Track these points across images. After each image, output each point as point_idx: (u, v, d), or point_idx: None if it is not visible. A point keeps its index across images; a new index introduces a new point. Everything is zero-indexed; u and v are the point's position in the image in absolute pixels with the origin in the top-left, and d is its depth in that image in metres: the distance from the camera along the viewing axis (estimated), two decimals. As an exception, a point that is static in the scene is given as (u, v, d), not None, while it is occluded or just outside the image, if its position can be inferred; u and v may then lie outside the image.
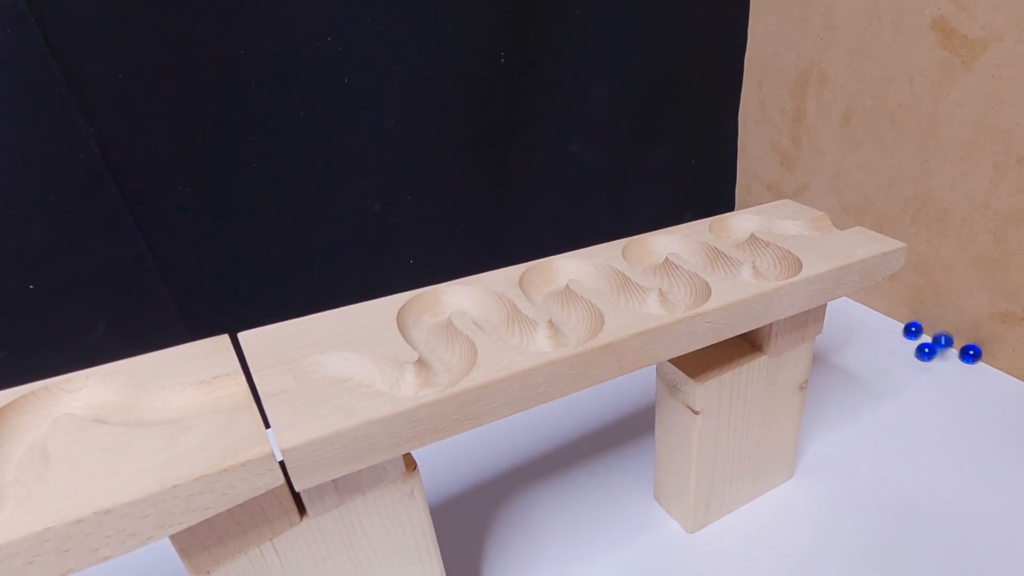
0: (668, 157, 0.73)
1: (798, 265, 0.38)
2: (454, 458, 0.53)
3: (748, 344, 0.41)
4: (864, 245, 0.39)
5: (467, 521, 0.47)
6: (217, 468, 0.23)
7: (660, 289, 0.34)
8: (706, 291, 0.35)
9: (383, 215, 0.58)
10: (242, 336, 0.30)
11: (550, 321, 0.32)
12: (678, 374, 0.40)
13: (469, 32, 0.55)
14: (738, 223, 0.43)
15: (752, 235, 0.41)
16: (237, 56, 0.47)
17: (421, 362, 0.29)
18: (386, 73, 0.53)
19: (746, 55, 0.72)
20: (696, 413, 0.40)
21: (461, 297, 0.35)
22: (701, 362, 0.40)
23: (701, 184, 0.77)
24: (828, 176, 0.67)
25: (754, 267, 0.38)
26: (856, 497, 0.47)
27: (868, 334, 0.65)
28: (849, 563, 0.42)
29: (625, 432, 0.55)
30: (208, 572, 0.27)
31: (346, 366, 0.29)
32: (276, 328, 0.31)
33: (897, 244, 0.39)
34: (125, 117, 0.45)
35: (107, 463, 0.23)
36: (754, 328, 0.36)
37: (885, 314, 0.67)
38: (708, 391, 0.40)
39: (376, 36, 0.51)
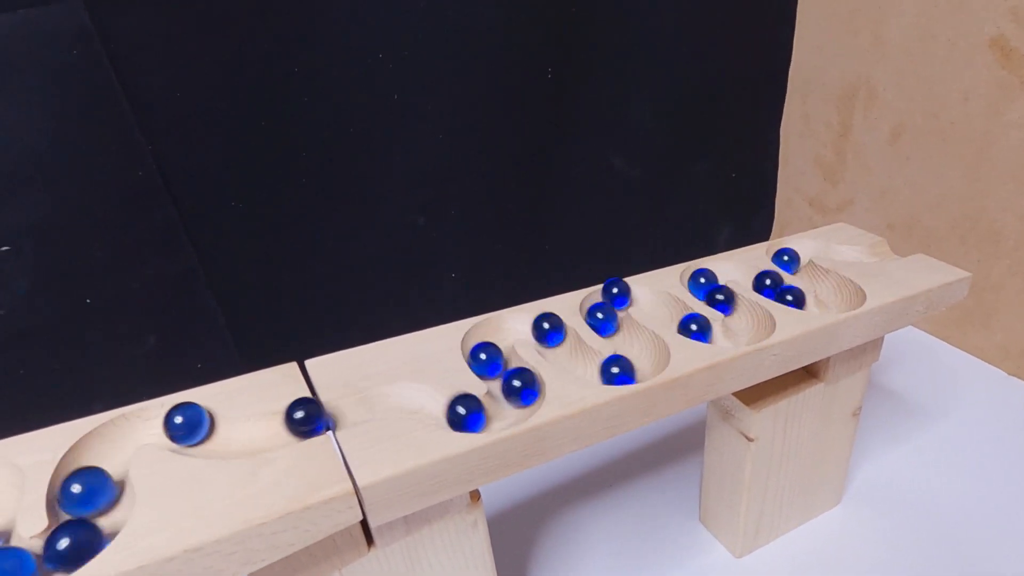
0: (709, 171, 0.72)
1: (861, 295, 0.37)
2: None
3: (804, 371, 0.41)
4: (927, 274, 0.39)
5: (510, 544, 0.47)
6: (301, 505, 0.23)
7: (723, 320, 0.34)
8: (770, 322, 0.34)
9: (426, 229, 0.58)
10: (309, 364, 0.30)
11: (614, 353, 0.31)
12: (733, 401, 0.40)
13: (517, 48, 0.55)
14: (796, 248, 0.43)
15: (811, 261, 0.41)
16: (291, 74, 0.47)
17: (490, 395, 0.29)
18: (434, 89, 0.53)
19: (790, 69, 0.71)
20: (750, 440, 0.40)
21: (522, 324, 0.34)
22: (757, 389, 0.40)
23: (740, 198, 0.77)
24: (874, 193, 0.66)
25: (816, 296, 0.37)
26: (904, 524, 0.46)
27: (914, 356, 0.64)
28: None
29: (668, 452, 0.55)
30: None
31: (415, 397, 0.29)
32: (342, 356, 0.31)
33: (962, 273, 0.39)
34: (181, 134, 0.45)
35: (191, 498, 0.23)
36: (819, 359, 0.36)
37: (932, 334, 0.66)
38: (763, 419, 0.39)
39: (426, 53, 0.51)
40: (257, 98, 0.47)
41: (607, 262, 0.69)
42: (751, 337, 0.34)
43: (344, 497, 0.24)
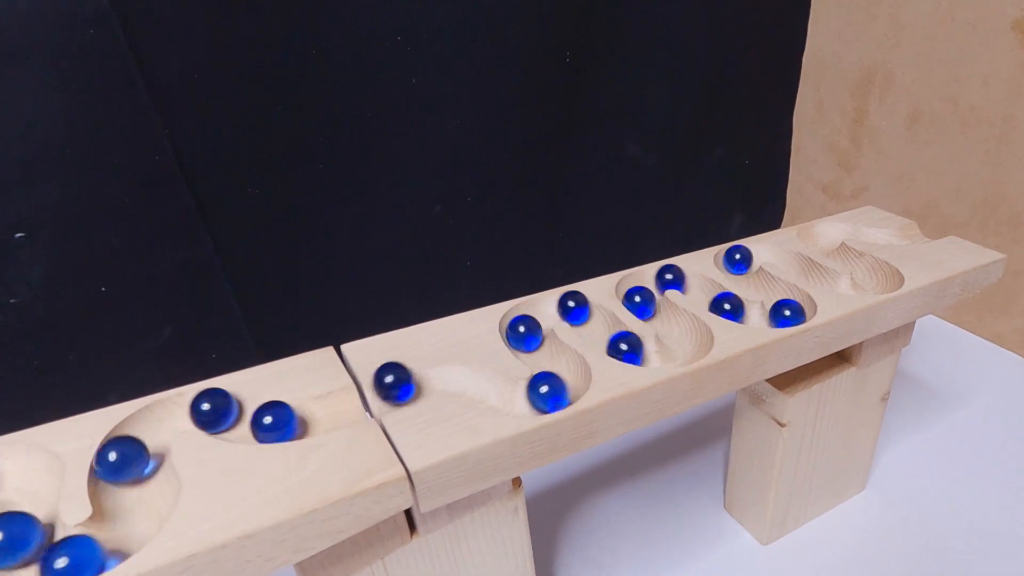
0: (723, 158, 0.72)
1: (897, 277, 0.37)
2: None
3: (837, 356, 0.40)
4: (962, 256, 0.38)
5: (535, 532, 0.47)
6: (352, 492, 0.22)
7: (762, 302, 0.33)
8: (810, 304, 0.34)
9: (443, 217, 0.57)
10: (346, 348, 0.30)
11: (656, 336, 0.31)
12: (765, 386, 0.39)
13: (537, 33, 0.54)
14: (826, 231, 0.42)
15: (843, 244, 0.40)
16: (308, 58, 0.46)
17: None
18: (453, 74, 0.52)
19: (804, 55, 0.70)
20: (782, 425, 0.39)
21: (550, 308, 0.34)
22: (789, 374, 0.39)
23: (752, 185, 0.76)
24: (890, 179, 0.66)
25: (852, 279, 0.37)
26: (929, 509, 0.46)
27: (932, 342, 0.63)
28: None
29: (690, 440, 0.54)
30: (321, 592, 0.26)
31: (459, 380, 0.28)
32: (377, 340, 0.30)
33: (996, 255, 0.38)
34: (198, 119, 0.44)
35: (239, 485, 0.22)
36: (857, 342, 0.35)
37: (950, 321, 0.65)
38: (796, 404, 0.39)
39: (445, 37, 0.50)
40: (274, 83, 0.46)
41: (621, 249, 0.69)
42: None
43: (396, 482, 0.23)
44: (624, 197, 0.67)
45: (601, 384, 0.28)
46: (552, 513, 0.48)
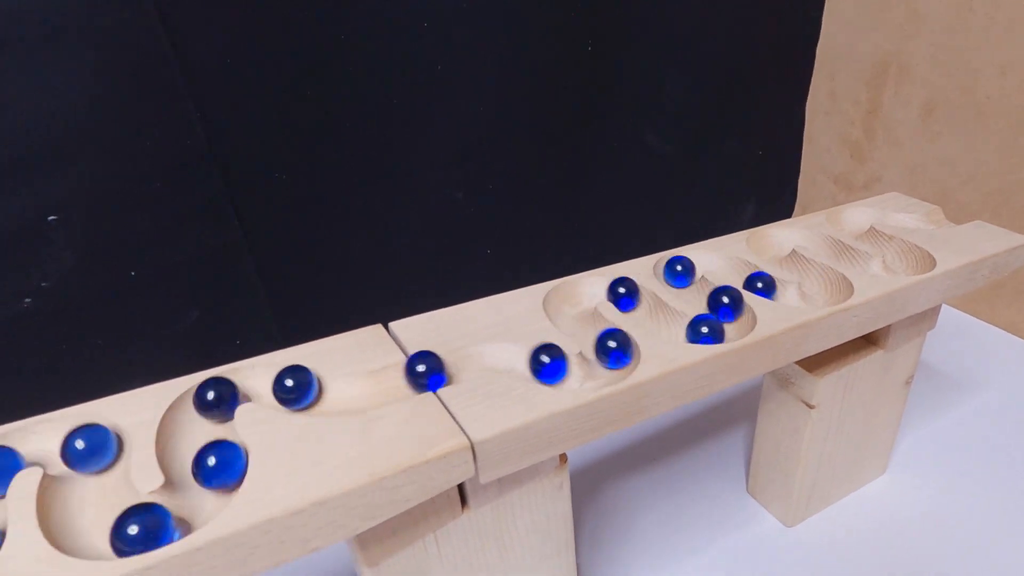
0: (736, 148, 0.72)
1: (928, 259, 0.37)
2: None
3: (864, 339, 0.41)
4: (991, 240, 0.39)
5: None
6: (420, 460, 0.22)
7: (799, 283, 0.34)
8: (846, 285, 0.34)
9: (464, 204, 0.57)
10: (394, 325, 0.30)
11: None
12: (794, 368, 0.40)
13: (558, 23, 0.54)
14: (854, 216, 0.43)
15: (872, 228, 0.41)
16: (337, 43, 0.46)
17: (582, 355, 0.29)
18: (476, 63, 0.52)
19: (818, 46, 0.71)
20: (811, 407, 0.40)
21: (599, 288, 0.34)
22: (819, 356, 0.40)
23: (764, 175, 0.77)
24: (903, 169, 0.67)
25: (883, 261, 0.37)
26: (949, 492, 0.47)
27: (946, 330, 0.64)
28: (952, 558, 0.42)
29: (709, 425, 0.55)
30: (378, 564, 0.27)
31: (507, 357, 0.29)
32: (426, 318, 0.31)
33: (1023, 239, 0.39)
34: (229, 103, 0.44)
35: (307, 454, 0.23)
36: (891, 323, 0.36)
37: (961, 310, 0.66)
38: (826, 385, 0.39)
39: (471, 23, 0.50)
40: (303, 68, 0.46)
41: (636, 238, 0.69)
42: (826, 299, 0.34)
43: (461, 452, 0.23)
44: (640, 186, 0.67)
45: (650, 359, 0.28)
46: (575, 497, 0.48)
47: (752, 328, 0.30)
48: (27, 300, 0.42)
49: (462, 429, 0.24)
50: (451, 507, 0.28)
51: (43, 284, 0.42)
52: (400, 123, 0.51)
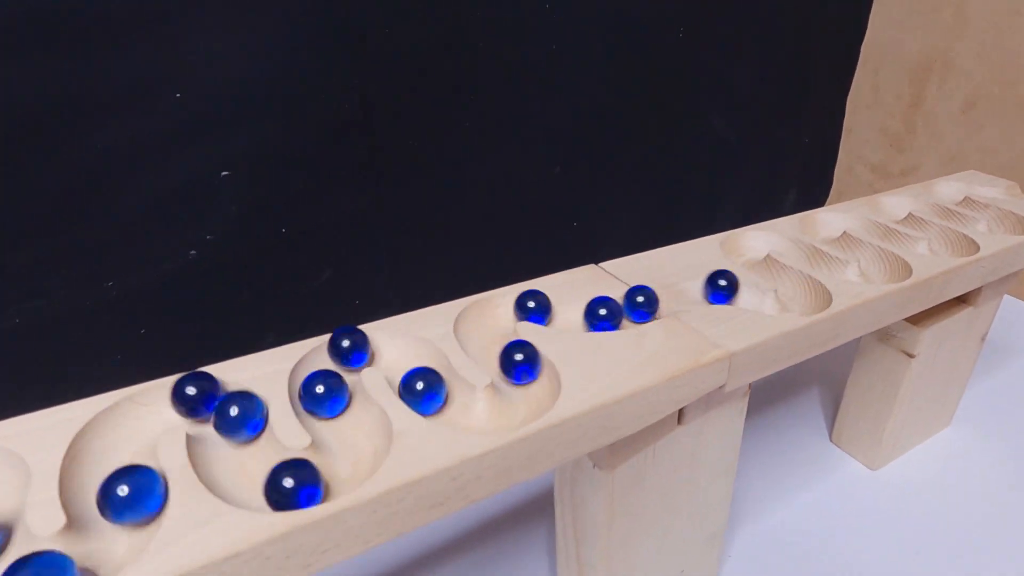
0: (785, 137, 0.78)
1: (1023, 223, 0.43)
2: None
3: (957, 296, 0.46)
4: (1072, 208, 0.44)
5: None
6: (697, 363, 0.26)
7: (928, 241, 0.39)
8: (969, 242, 0.39)
9: (560, 178, 0.61)
10: (607, 265, 0.34)
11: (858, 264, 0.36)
12: (899, 322, 0.45)
13: (661, 5, 0.58)
14: (944, 189, 0.48)
15: (967, 198, 0.46)
16: (473, 20, 0.50)
17: (777, 292, 0.33)
18: (586, 41, 0.56)
19: (864, 42, 0.77)
20: (911, 357, 0.45)
21: (760, 241, 0.38)
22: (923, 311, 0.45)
23: (807, 164, 0.83)
24: (942, 159, 0.73)
25: (987, 225, 0.43)
26: (1010, 444, 0.52)
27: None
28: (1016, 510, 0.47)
29: (790, 382, 0.60)
30: (613, 469, 0.30)
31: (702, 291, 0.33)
32: (633, 259, 0.34)
33: (1101, 209, 0.45)
34: (382, 72, 0.47)
35: (598, 362, 0.26)
36: (1004, 275, 0.41)
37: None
38: (926, 337, 0.44)
39: (587, 6, 0.54)
40: (441, 40, 0.49)
41: (695, 217, 0.74)
42: (949, 253, 0.39)
43: (724, 360, 0.27)
44: (702, 167, 0.72)
45: (839, 296, 0.32)
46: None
47: (910, 274, 0.35)
48: (192, 252, 0.44)
49: (716, 344, 0.28)
50: (671, 421, 0.31)
51: (208, 237, 0.45)
52: (512, 98, 0.55)
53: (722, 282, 0.32)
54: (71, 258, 0.41)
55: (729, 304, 0.32)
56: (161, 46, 0.38)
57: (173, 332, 0.46)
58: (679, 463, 0.33)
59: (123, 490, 0.19)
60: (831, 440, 0.54)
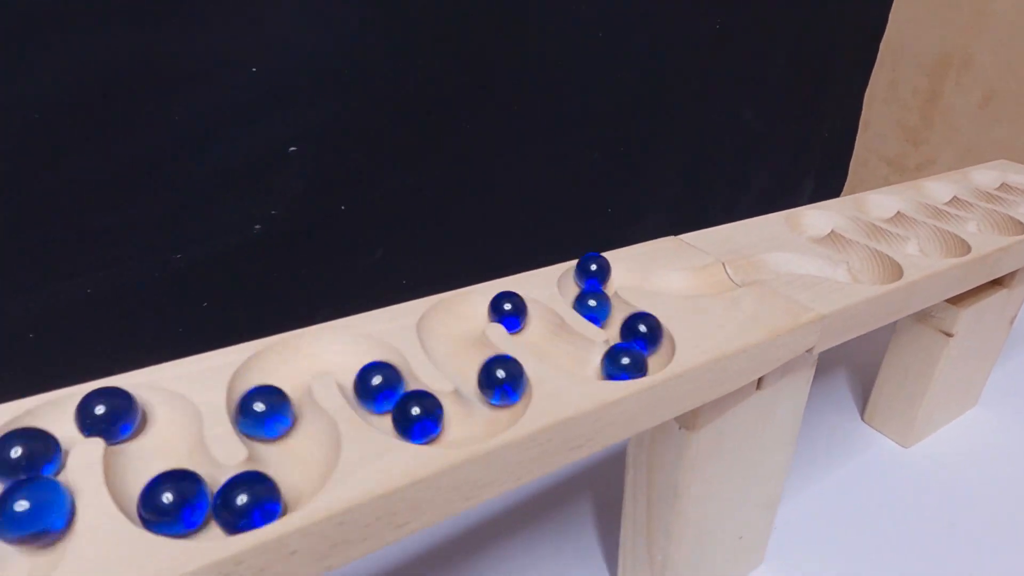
0: (808, 129, 0.80)
1: (1062, 207, 0.45)
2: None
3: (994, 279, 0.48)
4: (1104, 195, 0.47)
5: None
6: (795, 323, 0.28)
7: (977, 221, 0.41)
8: (1015, 223, 0.41)
9: (599, 163, 0.62)
10: (686, 237, 0.35)
11: (918, 243, 0.37)
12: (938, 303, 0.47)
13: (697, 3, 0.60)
14: (979, 176, 0.50)
15: (1003, 184, 0.48)
16: (526, 11, 0.51)
17: (848, 264, 0.35)
18: (627, 31, 0.57)
19: (883, 39, 0.79)
20: (950, 336, 0.47)
21: (821, 219, 0.40)
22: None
23: (824, 155, 0.85)
24: (958, 152, 0.75)
25: (1028, 209, 0.45)
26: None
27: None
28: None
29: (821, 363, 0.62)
30: (698, 429, 0.32)
31: (792, 262, 0.34)
32: (707, 232, 0.36)
33: None
34: (437, 54, 0.48)
35: (705, 322, 0.28)
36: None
37: None
38: (964, 316, 0.46)
39: (630, 3, 0.55)
40: (491, 25, 0.50)
41: (718, 204, 0.76)
42: (993, 232, 0.41)
43: (817, 321, 0.29)
44: (730, 157, 0.74)
45: (909, 268, 0.34)
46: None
47: (968, 251, 0.37)
48: (257, 227, 0.45)
49: (807, 307, 0.29)
50: (752, 386, 0.33)
51: (272, 212, 0.45)
52: (558, 85, 0.56)
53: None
54: (143, 228, 0.41)
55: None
56: (241, 21, 0.39)
57: (231, 305, 0.46)
58: (753, 428, 0.35)
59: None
60: (863, 420, 0.56)
